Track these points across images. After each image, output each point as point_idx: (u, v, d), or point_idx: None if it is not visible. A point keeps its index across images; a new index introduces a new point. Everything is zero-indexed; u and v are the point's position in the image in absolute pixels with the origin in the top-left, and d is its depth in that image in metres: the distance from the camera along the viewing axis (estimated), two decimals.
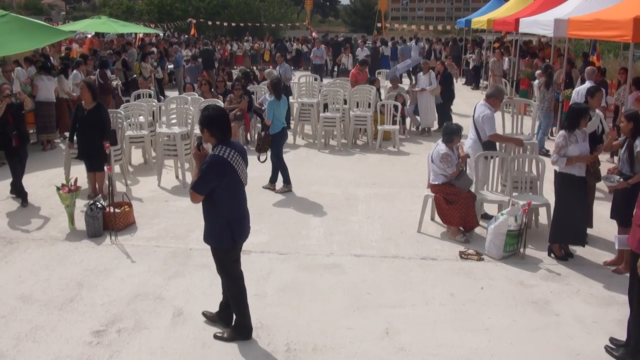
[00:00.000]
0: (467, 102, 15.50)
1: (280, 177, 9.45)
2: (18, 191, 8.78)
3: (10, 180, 8.84)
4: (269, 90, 9.87)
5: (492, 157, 7.89)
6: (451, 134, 7.48)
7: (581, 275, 6.44)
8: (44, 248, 7.17)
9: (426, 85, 13.50)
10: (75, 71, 13.74)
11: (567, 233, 6.74)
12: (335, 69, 26.09)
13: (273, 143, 9.31)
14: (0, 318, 5.52)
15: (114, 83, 15.22)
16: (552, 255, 6.90)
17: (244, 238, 5.11)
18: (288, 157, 11.63)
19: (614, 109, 11.80)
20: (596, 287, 6.18)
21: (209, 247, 6.99)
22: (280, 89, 9.40)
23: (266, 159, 9.67)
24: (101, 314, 5.58)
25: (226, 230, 4.90)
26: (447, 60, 15.27)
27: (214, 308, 5.58)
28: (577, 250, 6.94)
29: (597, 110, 7.99)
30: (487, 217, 7.74)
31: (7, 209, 8.53)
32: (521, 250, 6.89)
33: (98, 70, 14.54)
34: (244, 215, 5.06)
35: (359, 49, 24.60)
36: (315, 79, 15.39)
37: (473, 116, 8.08)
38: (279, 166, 9.41)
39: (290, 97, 14.43)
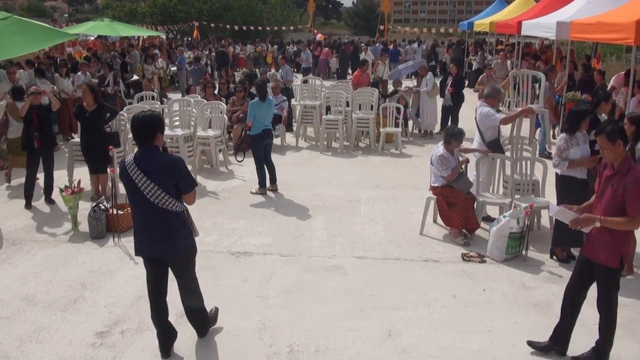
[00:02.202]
0: (470, 104, 15.47)
1: (281, 178, 9.46)
2: (47, 192, 8.84)
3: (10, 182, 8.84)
4: (256, 91, 9.57)
5: (493, 159, 7.91)
6: (449, 137, 7.51)
7: None
8: (48, 249, 7.19)
9: (422, 88, 13.55)
10: (79, 73, 13.79)
11: (569, 236, 6.72)
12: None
13: (252, 144, 9.32)
14: (4, 319, 5.54)
15: (110, 89, 15.03)
16: (554, 257, 6.91)
17: (138, 252, 4.80)
18: (290, 159, 11.69)
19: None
20: None
21: (211, 249, 7.06)
22: (265, 90, 9.36)
23: (243, 159, 9.69)
24: (104, 315, 5.60)
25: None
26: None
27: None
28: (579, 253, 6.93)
29: (603, 115, 7.93)
30: (490, 220, 7.76)
31: (10, 211, 8.56)
32: (523, 252, 6.90)
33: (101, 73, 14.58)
34: (141, 228, 4.71)
35: (362, 52, 24.71)
36: (305, 82, 15.32)
37: (476, 119, 8.11)
38: (257, 167, 9.36)
39: (293, 100, 14.48)
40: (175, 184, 4.57)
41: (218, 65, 23.20)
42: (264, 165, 9.33)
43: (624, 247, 4.69)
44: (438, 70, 26.23)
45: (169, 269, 4.87)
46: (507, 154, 8.36)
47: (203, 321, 5.18)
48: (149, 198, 4.50)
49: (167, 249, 4.69)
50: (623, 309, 5.72)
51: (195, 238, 4.89)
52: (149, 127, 4.55)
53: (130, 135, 10.13)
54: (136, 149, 4.67)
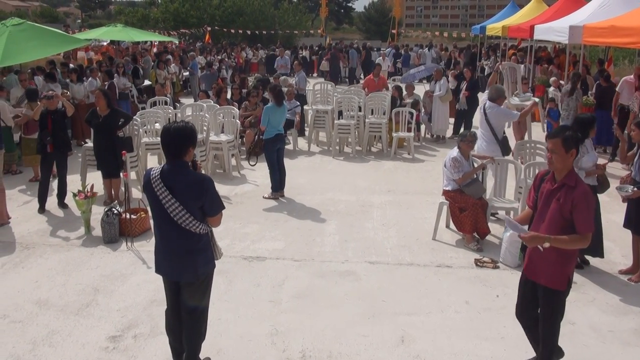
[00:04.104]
0: None
1: (294, 182, 9.46)
2: (60, 196, 8.92)
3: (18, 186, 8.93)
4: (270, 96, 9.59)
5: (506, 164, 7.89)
6: (458, 138, 7.58)
7: (597, 283, 6.40)
8: (60, 253, 7.23)
9: (436, 92, 13.52)
10: (90, 78, 13.84)
11: None
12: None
13: (265, 148, 9.35)
14: (17, 323, 5.57)
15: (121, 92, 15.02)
16: None
17: (158, 271, 4.53)
18: (303, 163, 11.69)
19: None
20: (612, 295, 6.13)
21: (223, 253, 7.04)
22: (281, 95, 9.39)
23: (256, 163, 9.80)
24: (117, 319, 5.62)
25: None
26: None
27: (228, 313, 5.62)
28: (592, 259, 6.88)
29: None
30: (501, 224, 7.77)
31: (23, 215, 8.61)
32: None
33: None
34: (161, 249, 4.42)
35: (380, 58, 24.78)
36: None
37: (485, 118, 8.18)
38: (270, 171, 9.37)
39: (305, 105, 14.50)
40: (201, 205, 4.23)
41: (267, 69, 24.87)
42: (269, 167, 9.35)
43: (570, 266, 4.30)
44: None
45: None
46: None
47: None
48: (172, 217, 4.18)
49: (186, 273, 4.37)
50: (637, 316, 5.69)
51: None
52: (180, 141, 4.19)
53: (144, 139, 10.31)
54: (163, 163, 4.37)
